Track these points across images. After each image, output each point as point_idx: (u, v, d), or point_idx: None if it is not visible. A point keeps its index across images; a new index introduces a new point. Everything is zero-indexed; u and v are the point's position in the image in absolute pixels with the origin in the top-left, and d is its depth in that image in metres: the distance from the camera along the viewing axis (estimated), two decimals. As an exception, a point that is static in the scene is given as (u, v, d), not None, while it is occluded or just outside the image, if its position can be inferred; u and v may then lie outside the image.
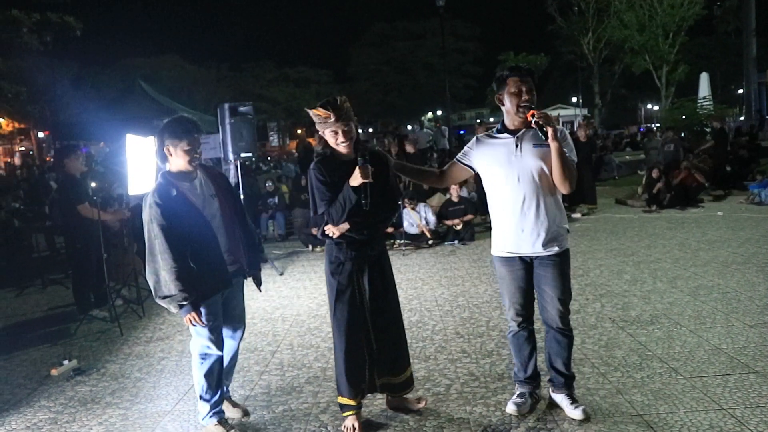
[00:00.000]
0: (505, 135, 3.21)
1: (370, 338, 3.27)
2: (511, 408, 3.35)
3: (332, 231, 3.18)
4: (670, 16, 27.17)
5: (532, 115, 3.02)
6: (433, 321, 5.19)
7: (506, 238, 3.23)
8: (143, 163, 5.89)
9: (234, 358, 3.61)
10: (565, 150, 3.07)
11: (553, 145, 3.02)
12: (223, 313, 3.42)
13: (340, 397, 3.32)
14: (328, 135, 3.17)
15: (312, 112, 3.15)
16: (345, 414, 3.31)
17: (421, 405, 3.47)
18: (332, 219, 3.14)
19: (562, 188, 3.12)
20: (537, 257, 3.19)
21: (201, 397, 3.36)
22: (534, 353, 3.38)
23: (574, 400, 3.30)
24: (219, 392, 3.38)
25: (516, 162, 3.13)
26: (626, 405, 3.36)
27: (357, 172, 3.07)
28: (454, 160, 3.45)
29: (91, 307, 5.99)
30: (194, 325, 3.17)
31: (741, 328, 4.45)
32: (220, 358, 3.36)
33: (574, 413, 3.23)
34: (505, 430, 3.21)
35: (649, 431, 3.07)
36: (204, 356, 3.32)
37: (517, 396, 3.40)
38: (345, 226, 3.15)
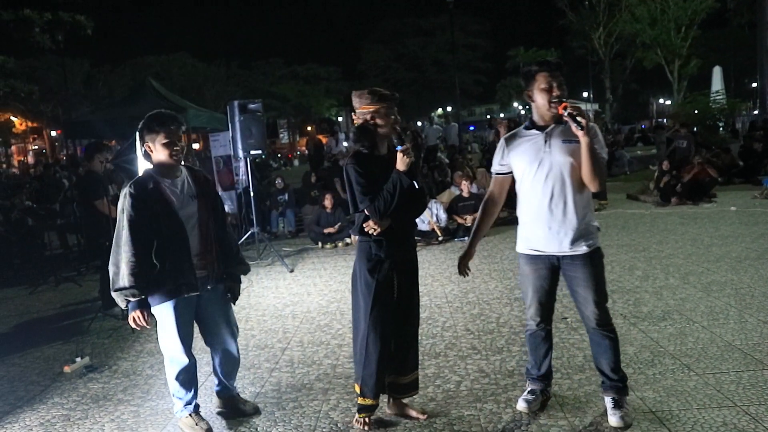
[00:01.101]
0: (534, 131, 3.12)
1: (392, 337, 3.23)
2: (521, 405, 3.32)
3: (373, 228, 3.08)
4: (682, 9, 26.90)
5: (564, 108, 2.94)
6: (443, 317, 5.18)
7: (533, 235, 3.14)
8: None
9: (232, 358, 3.51)
10: (595, 146, 2.97)
11: (583, 140, 2.92)
12: (206, 318, 3.37)
13: (362, 398, 3.22)
14: (383, 121, 3.08)
15: (369, 94, 3.07)
16: (362, 415, 3.26)
17: (423, 417, 3.33)
18: (378, 212, 3.03)
19: (591, 185, 3.02)
20: (564, 257, 3.10)
21: (173, 395, 3.37)
22: (549, 352, 3.34)
23: (616, 404, 3.13)
24: (192, 391, 3.36)
25: (545, 158, 3.04)
26: (638, 402, 3.33)
27: (401, 156, 3.02)
28: (494, 174, 3.29)
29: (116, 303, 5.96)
30: (138, 326, 3.10)
31: (755, 324, 4.41)
32: (190, 365, 3.30)
33: (611, 419, 3.10)
34: (516, 427, 3.19)
35: (662, 428, 3.05)
36: (171, 360, 3.29)
37: (528, 393, 3.38)
38: (387, 221, 3.07)
